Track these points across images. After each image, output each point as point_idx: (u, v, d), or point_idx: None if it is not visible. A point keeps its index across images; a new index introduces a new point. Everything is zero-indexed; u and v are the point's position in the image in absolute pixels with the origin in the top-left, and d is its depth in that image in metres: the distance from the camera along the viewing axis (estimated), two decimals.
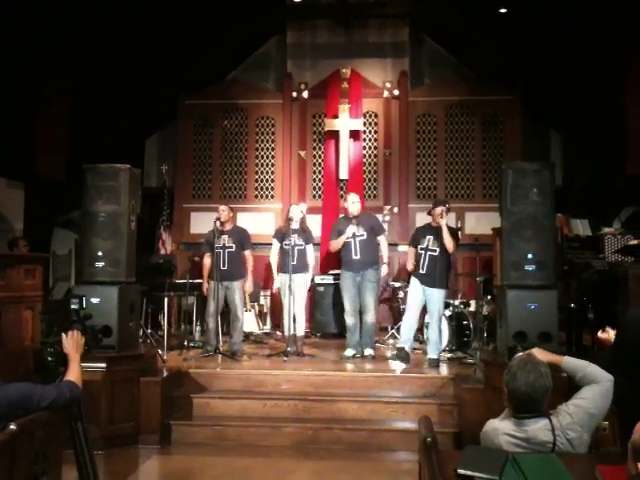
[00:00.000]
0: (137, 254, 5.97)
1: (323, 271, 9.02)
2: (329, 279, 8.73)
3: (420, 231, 6.89)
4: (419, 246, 6.68)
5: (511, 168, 5.47)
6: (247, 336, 8.05)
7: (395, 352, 6.57)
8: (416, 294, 6.63)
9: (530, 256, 5.28)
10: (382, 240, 7.04)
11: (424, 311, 6.89)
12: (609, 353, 3.22)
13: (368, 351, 6.87)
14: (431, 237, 6.62)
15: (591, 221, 7.59)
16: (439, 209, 6.56)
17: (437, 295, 6.57)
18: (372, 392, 5.93)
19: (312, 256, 7.26)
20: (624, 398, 2.76)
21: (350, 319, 6.97)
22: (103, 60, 7.92)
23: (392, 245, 9.00)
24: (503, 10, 8.53)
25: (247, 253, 7.13)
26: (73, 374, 2.88)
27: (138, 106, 9.25)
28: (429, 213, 6.83)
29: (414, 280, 6.68)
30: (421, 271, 6.61)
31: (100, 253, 5.58)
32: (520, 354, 2.92)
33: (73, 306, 3.17)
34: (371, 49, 9.96)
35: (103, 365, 5.21)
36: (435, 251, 6.58)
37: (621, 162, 7.97)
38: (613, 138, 8.33)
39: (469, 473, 2.28)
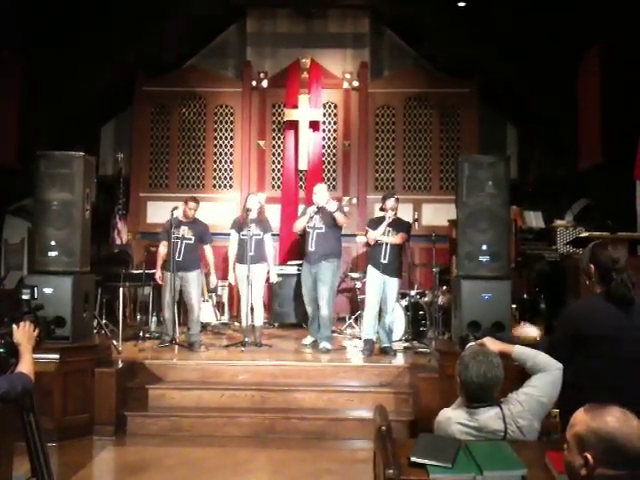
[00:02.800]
0: (92, 243, 5.88)
1: (281, 262, 9.02)
2: (287, 270, 8.73)
3: (376, 222, 6.90)
4: (378, 239, 6.74)
5: (467, 160, 5.56)
6: (204, 327, 8.00)
7: (363, 345, 6.64)
8: (377, 284, 6.69)
9: (485, 247, 5.38)
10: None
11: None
12: (548, 342, 3.31)
13: (323, 344, 6.80)
14: (390, 229, 6.73)
15: (544, 213, 7.77)
16: (394, 203, 6.78)
17: (395, 284, 6.75)
18: (329, 382, 5.98)
19: (271, 245, 7.25)
20: (565, 388, 2.84)
21: (308, 309, 7.14)
22: (57, 43, 7.72)
23: (351, 236, 9.08)
24: (462, 4, 8.62)
25: (207, 247, 7.10)
26: (25, 366, 2.82)
27: (94, 92, 9.06)
28: (382, 209, 6.91)
29: (373, 270, 6.71)
30: (383, 261, 6.65)
31: (53, 242, 5.47)
32: (472, 343, 2.98)
33: (24, 296, 3.10)
34: (331, 39, 9.94)
35: (56, 356, 5.13)
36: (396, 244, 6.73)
37: (574, 156, 8.16)
38: (566, 132, 8.51)
39: (422, 461, 2.32)
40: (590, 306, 3.06)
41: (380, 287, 6.70)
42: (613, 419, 1.80)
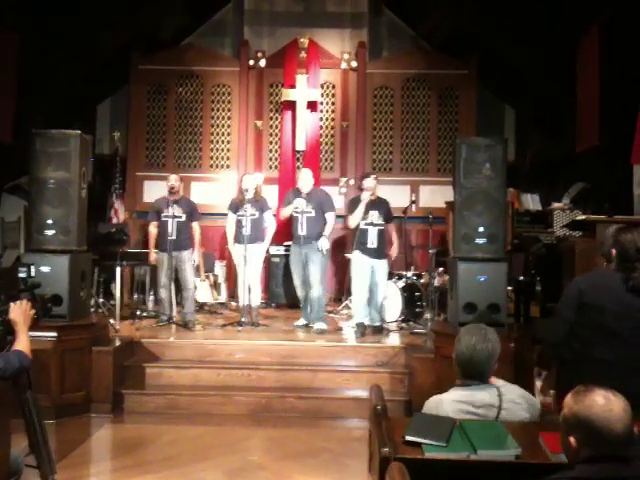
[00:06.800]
0: (88, 222, 5.87)
1: (278, 242, 9.00)
2: (284, 250, 8.73)
3: (355, 204, 6.79)
4: (363, 221, 6.69)
5: (465, 142, 5.54)
6: (201, 306, 8.02)
7: (355, 329, 6.67)
8: (365, 268, 6.71)
9: (481, 229, 5.39)
10: (328, 217, 6.98)
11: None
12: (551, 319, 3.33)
13: (317, 325, 6.79)
14: (375, 212, 6.72)
15: (541, 196, 7.77)
16: (371, 183, 6.71)
17: (386, 266, 6.86)
18: (325, 361, 6.01)
19: (271, 223, 7.26)
20: (563, 364, 2.86)
21: (299, 291, 7.16)
22: (52, 20, 7.64)
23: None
24: None
25: (196, 224, 7.08)
26: (22, 344, 2.84)
27: (89, 70, 8.97)
28: (359, 188, 6.86)
29: (360, 255, 6.71)
30: (370, 246, 6.68)
31: (50, 221, 5.46)
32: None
33: (21, 274, 3.11)
34: (330, 19, 9.86)
35: (54, 334, 5.14)
36: (382, 225, 6.75)
37: (571, 139, 8.14)
38: (564, 115, 8.48)
39: (417, 440, 2.35)
40: (601, 278, 3.06)
41: (369, 272, 6.72)
42: (593, 403, 1.83)
